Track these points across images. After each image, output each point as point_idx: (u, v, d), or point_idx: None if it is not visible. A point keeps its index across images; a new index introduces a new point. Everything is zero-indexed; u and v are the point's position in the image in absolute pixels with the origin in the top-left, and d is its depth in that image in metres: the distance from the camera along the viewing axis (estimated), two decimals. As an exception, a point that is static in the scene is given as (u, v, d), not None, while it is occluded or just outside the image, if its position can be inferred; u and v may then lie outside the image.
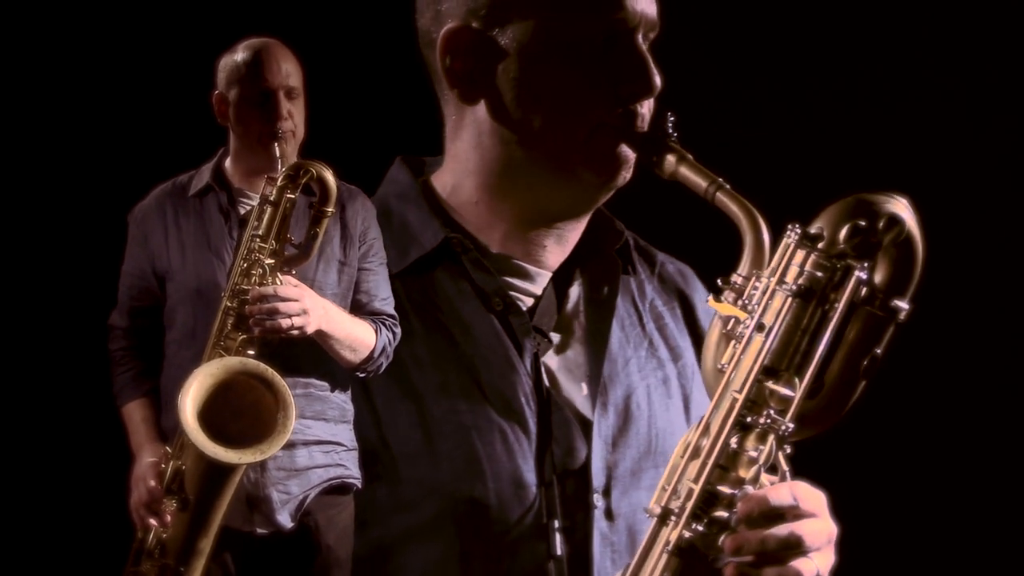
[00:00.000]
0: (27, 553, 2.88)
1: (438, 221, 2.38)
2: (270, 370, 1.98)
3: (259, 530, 2.04)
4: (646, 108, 2.31)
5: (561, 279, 2.42)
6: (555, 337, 2.37)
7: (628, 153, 2.30)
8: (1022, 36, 3.20)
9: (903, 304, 1.93)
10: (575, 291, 2.42)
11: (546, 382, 2.31)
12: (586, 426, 2.30)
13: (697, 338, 2.49)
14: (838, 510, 2.06)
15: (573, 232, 2.42)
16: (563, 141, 2.30)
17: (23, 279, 2.90)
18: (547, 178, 2.33)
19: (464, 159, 2.40)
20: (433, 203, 2.41)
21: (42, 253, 2.91)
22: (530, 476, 2.23)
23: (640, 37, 2.31)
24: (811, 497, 1.99)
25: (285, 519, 2.05)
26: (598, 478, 2.27)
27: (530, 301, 2.38)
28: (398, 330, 2.14)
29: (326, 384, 2.09)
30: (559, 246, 2.41)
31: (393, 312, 2.15)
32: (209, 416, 1.96)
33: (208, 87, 2.13)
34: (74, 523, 2.86)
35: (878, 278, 1.93)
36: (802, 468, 2.00)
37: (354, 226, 2.13)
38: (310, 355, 2.06)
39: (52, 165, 2.94)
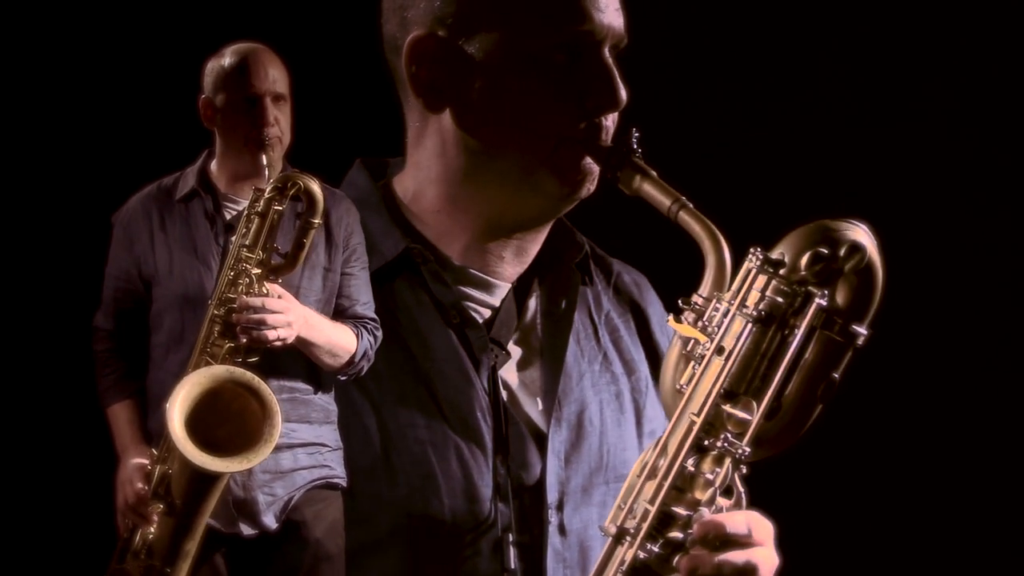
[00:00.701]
0: (12, 551, 2.87)
1: (399, 230, 2.36)
2: (256, 379, 1.99)
3: (245, 532, 2.05)
4: (610, 121, 2.31)
5: (520, 291, 2.41)
6: (513, 350, 2.37)
7: (592, 165, 2.30)
8: (985, 61, 3.22)
9: (862, 330, 1.94)
10: (533, 303, 2.42)
11: (503, 396, 2.31)
12: (541, 441, 2.30)
13: (651, 351, 2.50)
14: (787, 533, 2.08)
15: (533, 243, 2.42)
16: (527, 153, 2.29)
17: (7, 280, 2.89)
18: (510, 189, 2.32)
19: (427, 167, 2.39)
20: (394, 210, 2.40)
21: (27, 254, 2.90)
22: (485, 491, 2.23)
23: (607, 50, 2.30)
24: (761, 527, 2.01)
25: (270, 520, 2.06)
26: (552, 493, 2.27)
27: (488, 313, 2.37)
28: (379, 333, 2.15)
29: (310, 387, 2.10)
30: (518, 257, 2.41)
31: (374, 316, 2.16)
32: (196, 424, 1.97)
33: (194, 89, 2.13)
34: (59, 522, 2.85)
35: (838, 303, 1.94)
36: (756, 489, 2.02)
37: (338, 232, 2.14)
38: (294, 359, 2.08)
39: (36, 166, 2.92)
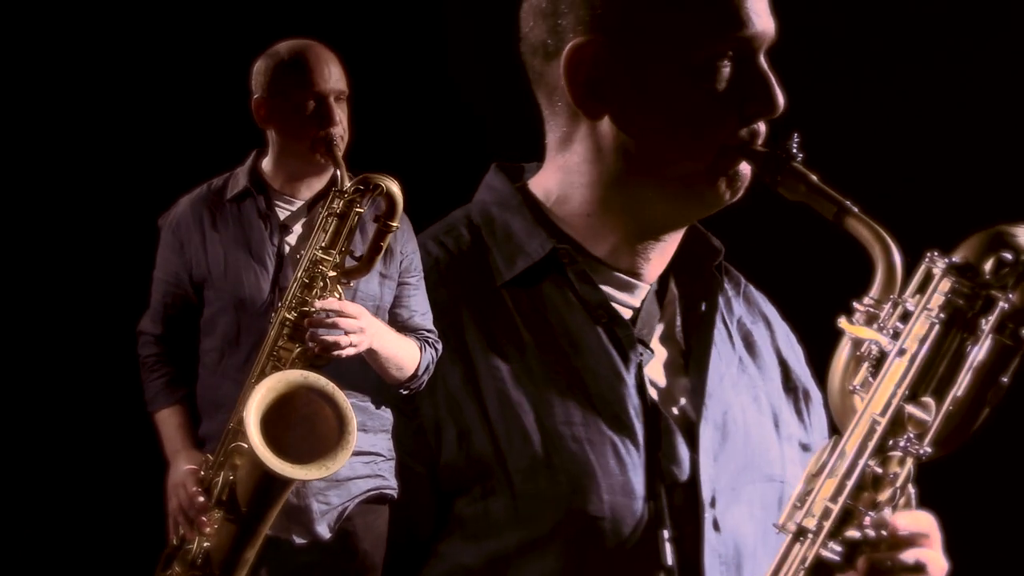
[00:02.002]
0: (57, 557, 2.88)
1: (544, 231, 2.38)
2: (331, 384, 1.96)
3: (297, 540, 2.03)
4: (763, 126, 2.33)
5: (658, 291, 2.44)
6: (656, 349, 2.39)
7: (746, 171, 2.32)
8: None
9: None
10: (673, 304, 2.45)
11: (651, 393, 2.33)
12: (689, 439, 2.32)
13: (781, 361, 2.53)
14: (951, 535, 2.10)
15: (673, 244, 2.44)
16: (688, 160, 2.31)
17: (52, 285, 2.89)
18: (669, 194, 2.34)
19: (577, 171, 2.40)
20: (537, 212, 2.41)
21: (70, 258, 2.90)
22: (640, 488, 2.25)
23: (762, 55, 2.33)
24: (934, 531, 2.05)
25: (324, 529, 2.03)
26: (706, 490, 2.29)
27: (628, 313, 2.39)
28: (439, 347, 2.13)
29: (368, 396, 2.07)
30: (660, 257, 2.43)
31: (432, 327, 2.13)
32: (269, 430, 1.94)
33: (236, 90, 2.10)
34: (104, 529, 2.85)
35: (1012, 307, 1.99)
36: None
37: (392, 239, 2.09)
38: (354, 367, 2.04)
39: (79, 170, 2.92)
